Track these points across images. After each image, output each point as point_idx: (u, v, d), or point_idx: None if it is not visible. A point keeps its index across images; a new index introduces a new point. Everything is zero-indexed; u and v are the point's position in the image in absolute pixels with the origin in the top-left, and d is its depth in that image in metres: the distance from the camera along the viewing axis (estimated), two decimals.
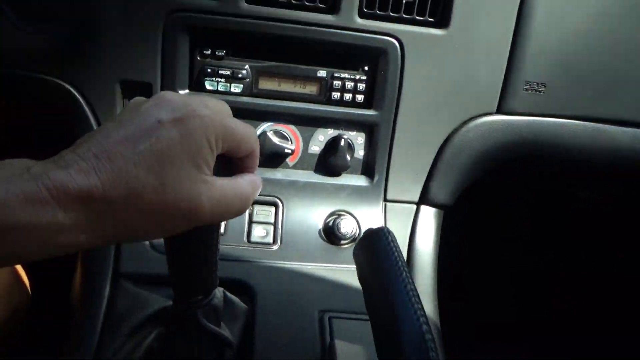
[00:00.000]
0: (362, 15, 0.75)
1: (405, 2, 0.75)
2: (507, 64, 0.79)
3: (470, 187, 0.88)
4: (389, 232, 0.48)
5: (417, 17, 0.76)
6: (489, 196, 1.34)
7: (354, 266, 0.50)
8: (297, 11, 0.74)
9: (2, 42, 0.69)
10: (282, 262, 0.73)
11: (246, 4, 0.73)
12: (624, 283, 1.41)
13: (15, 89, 0.74)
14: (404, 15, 0.75)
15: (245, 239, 0.76)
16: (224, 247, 0.70)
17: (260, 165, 0.78)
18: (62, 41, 0.70)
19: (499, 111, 0.81)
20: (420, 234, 0.82)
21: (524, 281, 1.56)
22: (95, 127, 0.74)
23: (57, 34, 0.70)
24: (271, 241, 0.76)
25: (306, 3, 0.74)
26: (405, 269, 0.44)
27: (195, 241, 0.45)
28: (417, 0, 0.75)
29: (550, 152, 0.87)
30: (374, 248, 0.48)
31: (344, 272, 0.72)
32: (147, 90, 0.74)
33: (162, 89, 0.72)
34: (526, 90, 0.80)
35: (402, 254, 0.47)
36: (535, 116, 0.82)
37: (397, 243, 0.48)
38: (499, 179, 1.00)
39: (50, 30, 0.70)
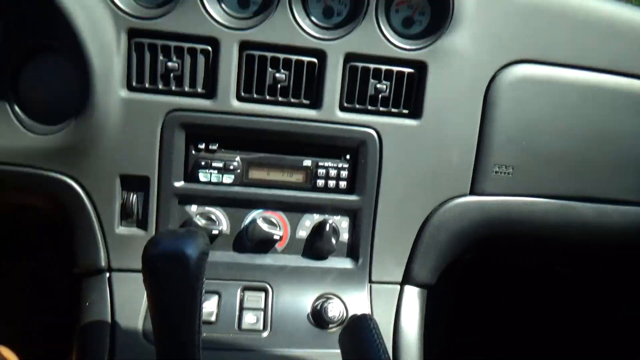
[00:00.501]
0: (342, 109, 0.81)
1: (381, 97, 0.82)
2: (477, 150, 0.85)
3: (451, 265, 0.91)
4: (372, 319, 0.50)
5: (393, 110, 0.82)
6: (470, 274, 1.38)
7: None
8: (284, 107, 0.80)
9: (11, 141, 0.74)
10: (272, 349, 0.75)
11: (237, 102, 0.79)
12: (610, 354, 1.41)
13: (18, 184, 0.78)
14: (381, 108, 0.82)
15: (236, 326, 0.78)
16: (217, 335, 0.73)
17: (251, 251, 0.83)
18: (68, 140, 0.74)
19: (472, 192, 0.86)
20: (405, 315, 0.84)
21: (510, 356, 1.56)
22: (94, 218, 0.78)
23: (63, 133, 0.74)
24: (261, 327, 0.78)
25: (292, 100, 0.80)
26: (387, 356, 0.47)
27: (175, 326, 0.49)
28: (392, 94, 0.82)
29: (522, 229, 0.92)
30: (358, 336, 0.50)
31: (332, 358, 0.73)
32: (144, 183, 0.78)
33: (159, 182, 0.78)
34: (496, 172, 0.86)
35: (383, 342, 0.50)
36: (506, 196, 0.88)
37: (379, 330, 0.50)
38: (478, 256, 1.04)
39: (58, 130, 0.75)
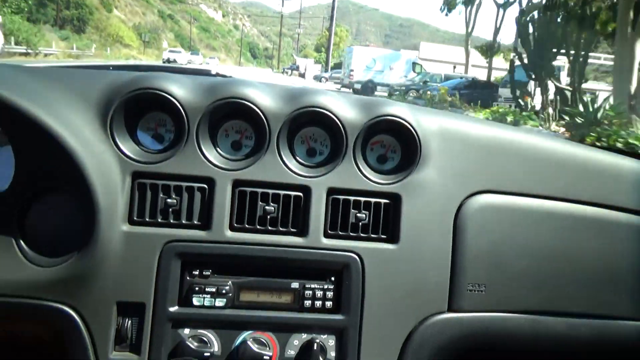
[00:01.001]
0: (327, 236, 0.88)
1: (362, 224, 0.89)
2: (451, 270, 0.92)
3: None
4: None
5: (372, 235, 0.90)
6: None
7: None
8: (273, 235, 0.86)
9: (14, 274, 0.77)
10: None
11: (230, 232, 0.85)
12: None
13: (15, 313, 0.80)
14: (362, 234, 0.89)
15: None
16: None
17: None
18: (70, 272, 0.78)
19: (450, 310, 0.92)
20: None
21: None
22: (88, 344, 0.80)
23: (66, 265, 0.78)
24: None
25: (280, 229, 0.87)
26: None
27: None
28: (372, 222, 0.89)
29: (499, 343, 0.97)
30: None
31: None
32: (140, 309, 0.81)
33: (154, 307, 0.81)
34: (469, 290, 0.92)
35: None
36: (481, 312, 0.93)
37: None
38: None
39: (61, 262, 0.78)
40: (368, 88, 24.65)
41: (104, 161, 0.80)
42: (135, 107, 0.84)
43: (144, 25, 57.56)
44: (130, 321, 0.82)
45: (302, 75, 48.39)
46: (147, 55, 48.50)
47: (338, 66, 44.92)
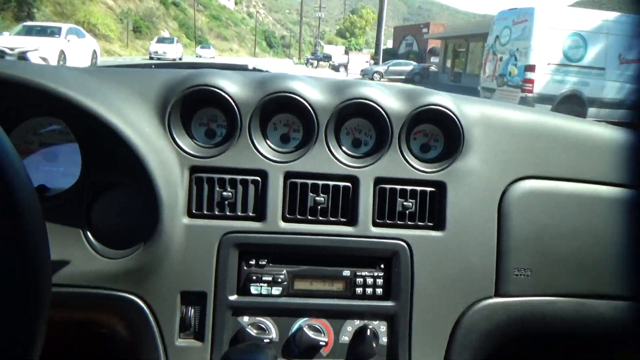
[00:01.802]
0: (375, 224, 0.93)
1: (409, 213, 0.93)
2: (497, 255, 0.95)
3: None
4: None
5: (419, 223, 0.94)
6: None
7: None
8: (324, 225, 0.92)
9: (85, 266, 0.82)
10: None
11: (283, 223, 0.90)
12: None
13: (87, 303, 0.86)
14: (409, 222, 0.93)
15: None
16: None
17: (298, 357, 0.90)
18: (137, 263, 0.83)
19: (497, 294, 0.95)
20: None
21: None
22: (156, 332, 0.86)
23: (133, 257, 0.83)
24: None
25: (331, 219, 0.92)
26: None
27: None
28: (418, 210, 0.94)
29: (544, 327, 1.00)
30: None
31: None
32: (202, 298, 0.88)
33: (215, 296, 0.88)
34: (516, 275, 0.96)
35: None
36: (527, 296, 0.97)
37: None
38: (508, 356, 1.09)
39: (127, 254, 0.83)
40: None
41: (164, 157, 0.85)
42: (190, 104, 0.89)
43: (135, 11, 44.77)
44: (193, 309, 0.88)
45: (336, 68, 34.11)
46: (133, 49, 36.26)
47: (390, 55, 32.58)
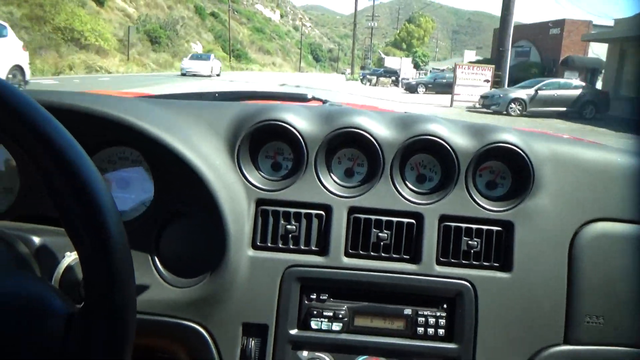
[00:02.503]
0: (439, 263, 0.92)
1: (474, 252, 0.92)
2: (567, 301, 0.92)
3: None
4: None
5: (485, 263, 0.92)
6: None
7: None
8: (387, 262, 0.91)
9: (153, 294, 0.86)
10: None
11: (346, 259, 0.91)
12: None
13: (153, 330, 0.88)
14: (474, 262, 0.92)
15: None
16: None
17: None
18: (203, 293, 0.85)
19: (566, 342, 0.92)
20: None
21: None
22: None
23: (199, 287, 0.85)
24: None
25: (394, 255, 0.92)
26: None
27: None
28: (484, 249, 0.92)
29: None
30: None
31: None
32: (263, 330, 0.90)
33: (275, 329, 0.89)
34: (587, 322, 0.92)
35: None
36: (599, 345, 0.93)
37: None
38: None
39: (194, 283, 0.85)
40: None
41: (233, 189, 0.89)
42: (258, 138, 0.93)
43: (156, 19, 35.12)
44: (253, 341, 0.89)
45: (413, 88, 28.53)
46: (140, 64, 26.72)
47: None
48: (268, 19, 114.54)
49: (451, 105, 17.42)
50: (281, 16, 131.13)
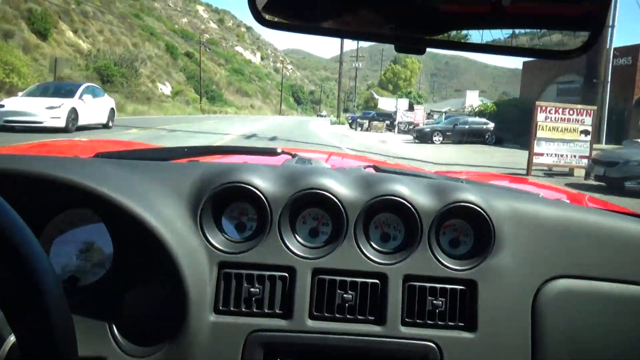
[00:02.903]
0: (404, 324, 0.90)
1: (439, 312, 0.90)
2: (532, 359, 0.92)
3: None
4: None
5: (450, 323, 0.90)
6: None
7: None
8: (352, 324, 0.89)
9: None
10: None
11: (310, 321, 0.88)
12: None
13: None
14: (439, 322, 0.90)
15: None
16: None
17: None
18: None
19: None
20: None
21: None
22: None
23: (157, 355, 0.81)
24: None
25: (359, 317, 0.90)
26: None
27: None
28: (448, 309, 0.91)
29: None
30: None
31: None
32: None
33: None
34: None
35: None
36: None
37: None
38: None
39: (152, 352, 0.82)
40: None
41: (194, 252, 0.87)
42: (222, 198, 0.92)
43: (110, 54, 29.26)
44: None
45: (427, 136, 23.16)
46: None
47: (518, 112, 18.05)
48: (248, 60, 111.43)
49: (529, 173, 10.82)
50: (262, 58, 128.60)
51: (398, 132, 31.37)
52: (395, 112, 33.68)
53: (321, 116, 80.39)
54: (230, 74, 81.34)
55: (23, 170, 0.81)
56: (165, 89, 46.51)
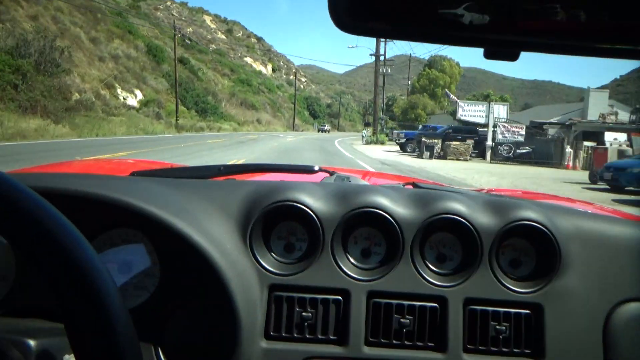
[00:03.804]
0: (466, 350, 0.84)
1: (502, 338, 0.84)
2: None
3: None
4: None
5: (515, 350, 0.84)
6: None
7: None
8: (410, 350, 0.82)
9: None
10: None
11: (367, 348, 0.82)
12: None
13: None
14: (503, 349, 0.84)
15: None
16: None
17: None
18: None
19: None
20: None
21: None
22: None
23: None
24: None
25: (417, 343, 0.82)
26: None
27: None
28: (513, 334, 0.84)
29: None
30: None
31: None
32: None
33: None
34: None
35: None
36: None
37: None
38: None
39: None
40: None
41: (245, 274, 0.81)
42: (271, 218, 0.87)
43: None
44: None
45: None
46: None
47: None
48: (258, 71, 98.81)
49: None
50: (273, 70, 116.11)
51: (494, 160, 18.31)
52: (486, 125, 19.66)
53: (323, 131, 67.19)
54: (235, 84, 68.87)
55: (67, 188, 0.73)
56: (132, 98, 33.86)
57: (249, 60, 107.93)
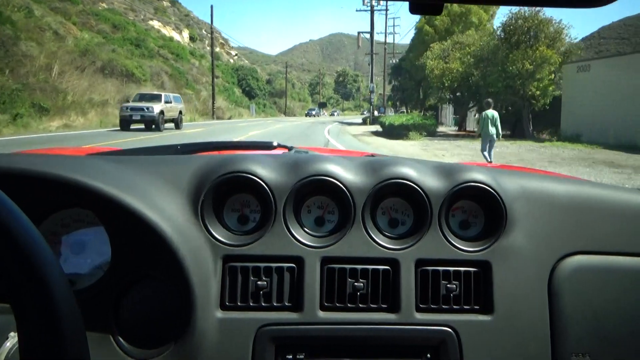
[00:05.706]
0: (418, 310, 0.85)
1: (453, 296, 0.85)
2: (551, 339, 0.86)
3: None
4: None
5: (465, 307, 0.85)
6: None
7: None
8: (365, 313, 0.84)
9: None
10: None
11: (322, 312, 0.83)
12: None
13: None
14: (454, 306, 0.85)
15: None
16: None
17: None
18: None
19: None
20: None
21: None
22: None
23: (162, 357, 0.75)
24: None
25: (371, 305, 0.84)
26: None
27: None
28: (463, 292, 0.85)
29: None
30: None
31: None
32: None
33: None
34: None
35: None
36: None
37: None
38: None
39: (157, 354, 0.75)
40: None
41: (198, 248, 0.81)
42: (223, 191, 0.85)
43: None
44: None
45: None
46: None
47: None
48: (168, 37, 68.96)
49: None
50: (192, 39, 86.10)
51: None
52: None
53: (311, 115, 48.82)
54: (112, 43, 39.91)
55: (7, 167, 0.71)
56: None
57: (156, 24, 77.39)
